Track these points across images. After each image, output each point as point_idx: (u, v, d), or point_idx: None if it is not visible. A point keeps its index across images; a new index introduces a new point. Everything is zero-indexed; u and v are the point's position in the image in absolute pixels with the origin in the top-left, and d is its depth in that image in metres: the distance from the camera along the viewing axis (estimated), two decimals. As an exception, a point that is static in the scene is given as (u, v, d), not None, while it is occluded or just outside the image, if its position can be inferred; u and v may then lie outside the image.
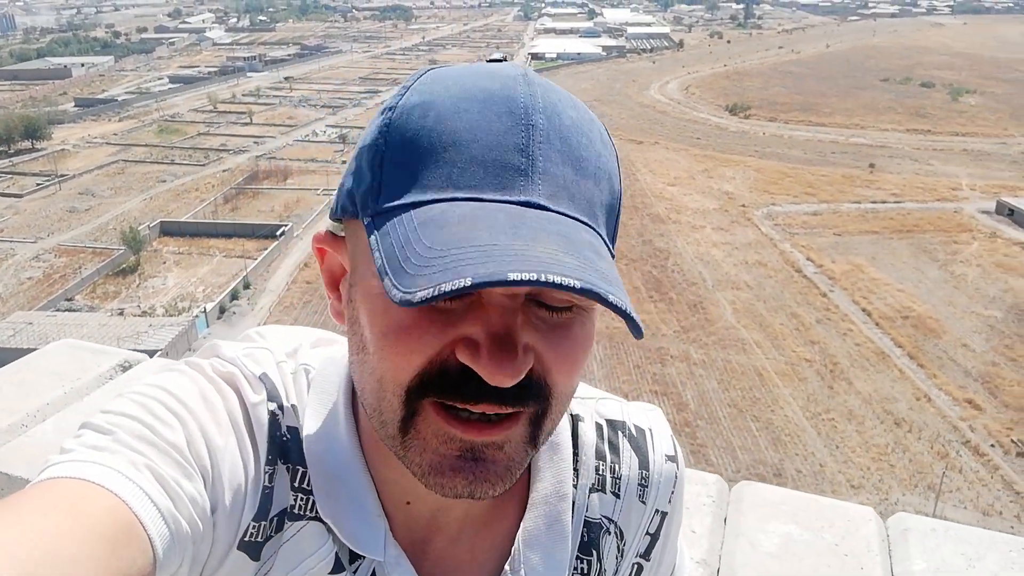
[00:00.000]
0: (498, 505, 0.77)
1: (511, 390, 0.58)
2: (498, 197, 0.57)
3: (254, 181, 76.23)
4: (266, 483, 0.69)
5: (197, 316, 48.14)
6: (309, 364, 0.77)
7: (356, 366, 0.65)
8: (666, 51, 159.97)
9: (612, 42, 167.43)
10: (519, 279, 0.49)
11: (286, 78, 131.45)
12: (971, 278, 53.84)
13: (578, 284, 0.50)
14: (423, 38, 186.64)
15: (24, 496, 0.55)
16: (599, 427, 0.85)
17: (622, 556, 0.84)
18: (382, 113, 0.64)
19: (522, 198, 0.57)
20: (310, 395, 0.74)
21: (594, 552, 0.81)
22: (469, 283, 0.49)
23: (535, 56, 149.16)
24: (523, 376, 0.58)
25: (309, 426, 0.72)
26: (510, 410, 0.59)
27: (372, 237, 0.58)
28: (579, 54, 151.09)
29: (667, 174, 75.09)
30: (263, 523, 0.68)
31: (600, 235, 0.60)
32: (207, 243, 61.01)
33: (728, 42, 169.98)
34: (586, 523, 0.81)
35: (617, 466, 0.83)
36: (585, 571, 0.80)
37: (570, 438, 0.82)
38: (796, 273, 54.60)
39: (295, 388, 0.75)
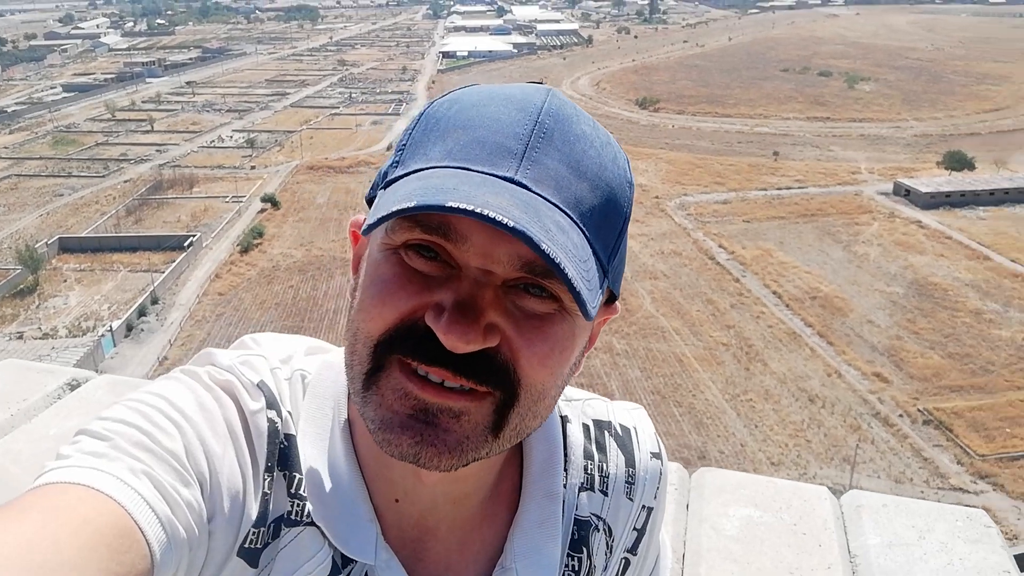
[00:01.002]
0: (488, 506, 0.79)
1: (469, 363, 0.61)
2: (484, 170, 0.61)
3: (158, 191, 73.36)
4: (265, 490, 0.70)
5: (103, 335, 46.03)
6: (305, 370, 0.78)
7: (345, 329, 0.68)
8: (576, 47, 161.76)
9: (523, 39, 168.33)
10: (456, 207, 0.54)
11: (188, 83, 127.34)
12: (873, 257, 56.38)
13: (510, 223, 0.54)
14: (331, 38, 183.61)
15: (23, 501, 0.56)
16: (586, 427, 0.87)
17: (611, 552, 0.86)
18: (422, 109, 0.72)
19: (506, 174, 0.61)
20: (306, 401, 0.76)
21: (584, 549, 0.82)
22: (413, 204, 0.55)
23: (447, 55, 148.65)
24: (478, 347, 0.60)
25: (304, 432, 0.74)
26: (464, 382, 0.61)
27: (377, 199, 0.66)
28: (490, 52, 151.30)
29: (582, 168, 75.67)
30: (262, 529, 0.69)
31: (581, 229, 0.63)
32: (110, 258, 58.38)
33: (635, 37, 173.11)
34: (576, 521, 0.82)
35: (605, 465, 0.85)
36: (576, 568, 0.81)
37: (560, 439, 0.83)
38: (710, 260, 56.04)
39: (290, 394, 0.76)
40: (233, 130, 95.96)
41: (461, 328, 0.59)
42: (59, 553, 0.51)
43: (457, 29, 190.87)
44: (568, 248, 0.58)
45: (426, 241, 0.61)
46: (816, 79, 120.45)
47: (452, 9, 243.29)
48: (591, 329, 0.71)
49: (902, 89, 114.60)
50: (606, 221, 0.66)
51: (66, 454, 0.61)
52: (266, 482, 0.70)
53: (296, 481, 0.71)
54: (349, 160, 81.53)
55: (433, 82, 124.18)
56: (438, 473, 0.67)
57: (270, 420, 0.72)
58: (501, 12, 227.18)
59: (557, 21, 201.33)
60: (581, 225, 0.63)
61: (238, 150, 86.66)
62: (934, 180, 69.87)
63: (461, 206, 0.54)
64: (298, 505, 0.71)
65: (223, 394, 0.72)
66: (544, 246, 0.55)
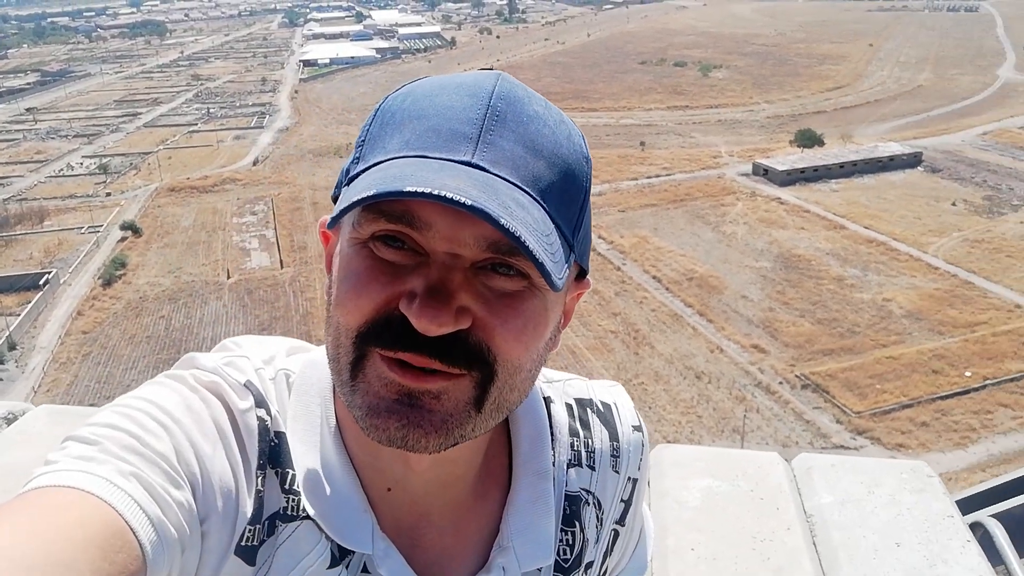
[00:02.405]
0: (480, 488, 0.81)
1: (446, 347, 0.62)
2: (441, 156, 0.63)
3: (5, 228, 67.76)
4: (259, 487, 0.70)
5: (-47, 389, 41.97)
6: (289, 369, 0.79)
7: (326, 325, 0.69)
8: (440, 50, 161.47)
9: (385, 44, 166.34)
10: (414, 191, 0.55)
11: (28, 109, 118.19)
12: (740, 235, 59.10)
13: (468, 202, 0.55)
14: (182, 52, 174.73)
15: (12, 505, 0.56)
16: (569, 407, 0.90)
17: (601, 525, 0.88)
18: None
19: (463, 158, 0.62)
20: (292, 399, 0.77)
21: (576, 523, 0.85)
22: (372, 192, 0.57)
23: (307, 63, 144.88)
24: (450, 329, 0.61)
25: (293, 429, 0.75)
26: (437, 365, 0.63)
27: (342, 195, 0.67)
28: (353, 58, 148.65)
29: (457, 170, 75.68)
30: (257, 527, 0.69)
31: (541, 205, 0.64)
32: (-46, 305, 53.37)
33: (498, 37, 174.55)
34: (567, 497, 0.84)
35: (590, 440, 0.88)
36: (570, 542, 0.84)
37: (545, 419, 0.86)
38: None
39: (276, 394, 0.77)
40: (83, 156, 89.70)
41: (432, 311, 0.60)
42: (52, 554, 0.51)
43: (316, 36, 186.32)
44: (529, 223, 0.60)
45: (392, 231, 0.63)
46: (673, 69, 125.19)
47: (309, 17, 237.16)
48: (563, 304, 0.73)
49: (752, 74, 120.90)
50: (566, 196, 0.67)
51: (54, 459, 0.61)
52: (259, 479, 0.70)
53: (290, 477, 0.72)
54: (213, 178, 77.99)
55: (296, 92, 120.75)
56: (428, 458, 0.69)
57: (260, 419, 0.73)
58: (360, 17, 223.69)
59: (418, 24, 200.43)
60: (541, 201, 0.64)
61: (90, 177, 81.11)
62: (789, 158, 73.96)
63: (419, 189, 0.55)
64: (293, 500, 0.72)
65: (210, 395, 0.72)
66: (503, 221, 0.56)
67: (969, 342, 42.74)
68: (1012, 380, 39.07)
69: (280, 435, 0.74)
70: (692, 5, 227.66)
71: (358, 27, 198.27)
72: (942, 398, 38.28)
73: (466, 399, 0.65)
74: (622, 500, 0.91)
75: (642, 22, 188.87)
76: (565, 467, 0.85)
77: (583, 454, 0.87)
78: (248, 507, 0.69)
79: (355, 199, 0.58)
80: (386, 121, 0.69)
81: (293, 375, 0.79)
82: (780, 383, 40.49)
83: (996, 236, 56.61)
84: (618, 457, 0.90)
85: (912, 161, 73.68)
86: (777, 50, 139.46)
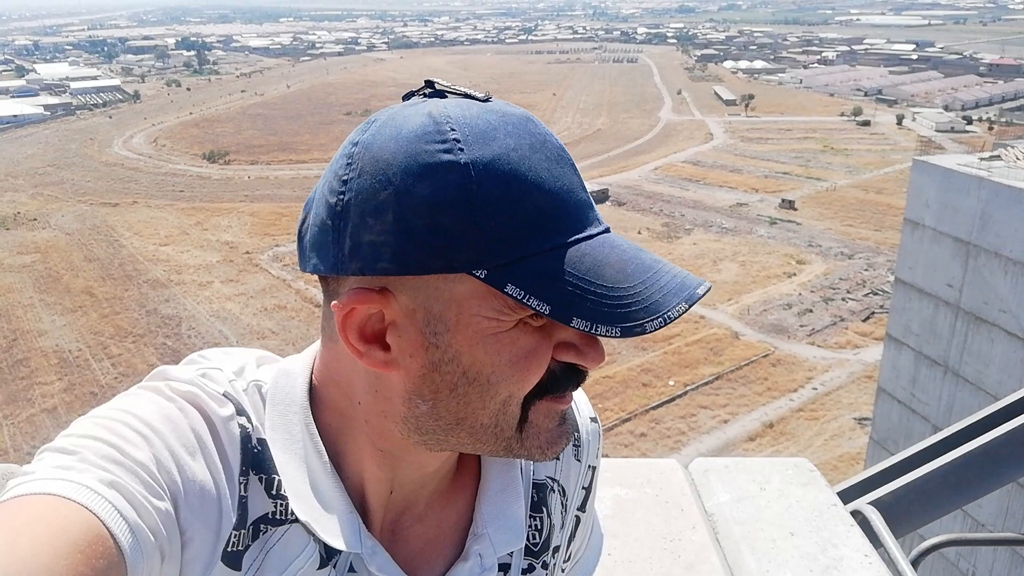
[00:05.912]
0: (456, 479, 0.85)
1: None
2: (595, 231, 0.67)
3: None
4: (242, 493, 0.71)
5: None
6: (260, 380, 0.80)
7: (453, 401, 0.69)
8: (122, 104, 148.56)
9: (55, 100, 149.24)
10: (701, 293, 0.63)
11: None
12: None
13: (701, 291, 0.64)
14: None
15: None
16: None
17: (566, 511, 0.93)
18: (447, 172, 0.63)
19: (603, 227, 0.68)
20: (267, 409, 0.77)
21: (544, 509, 0.90)
22: (685, 308, 0.62)
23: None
24: None
25: (272, 438, 0.75)
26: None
27: (509, 287, 0.62)
28: (15, 116, 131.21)
29: (156, 234, 69.76)
30: (242, 532, 0.70)
31: None
32: None
33: (188, 89, 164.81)
34: (534, 485, 0.89)
35: None
36: (538, 527, 0.89)
37: None
38: (316, 308, 55.32)
39: (251, 404, 0.77)
40: None
41: (599, 352, 0.69)
42: (35, 560, 0.52)
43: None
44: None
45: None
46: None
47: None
48: None
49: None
50: None
51: (31, 469, 0.61)
52: (242, 486, 0.71)
53: (276, 483, 0.73)
54: None
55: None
56: (443, 456, 0.78)
57: (242, 426, 0.74)
58: (21, 72, 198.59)
59: (94, 78, 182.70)
60: None
61: None
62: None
63: (700, 292, 0.63)
64: (280, 505, 0.73)
65: (187, 405, 0.72)
66: (701, 290, 0.64)
67: (668, 354, 47.81)
68: (706, 383, 44.32)
69: (262, 442, 0.75)
70: (389, 58, 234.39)
71: (20, 83, 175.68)
72: (654, 408, 42.19)
73: None
74: (583, 487, 0.96)
75: (342, 74, 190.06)
76: None
77: None
78: (232, 514, 0.69)
79: (673, 316, 0.61)
80: (495, 196, 0.63)
81: (265, 386, 0.79)
82: (515, 416, 42.00)
83: (676, 257, 64.23)
84: (579, 447, 0.95)
85: (601, 197, 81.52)
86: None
